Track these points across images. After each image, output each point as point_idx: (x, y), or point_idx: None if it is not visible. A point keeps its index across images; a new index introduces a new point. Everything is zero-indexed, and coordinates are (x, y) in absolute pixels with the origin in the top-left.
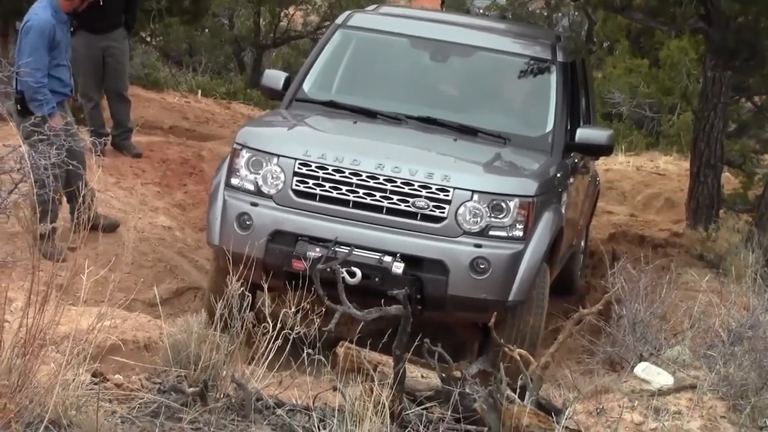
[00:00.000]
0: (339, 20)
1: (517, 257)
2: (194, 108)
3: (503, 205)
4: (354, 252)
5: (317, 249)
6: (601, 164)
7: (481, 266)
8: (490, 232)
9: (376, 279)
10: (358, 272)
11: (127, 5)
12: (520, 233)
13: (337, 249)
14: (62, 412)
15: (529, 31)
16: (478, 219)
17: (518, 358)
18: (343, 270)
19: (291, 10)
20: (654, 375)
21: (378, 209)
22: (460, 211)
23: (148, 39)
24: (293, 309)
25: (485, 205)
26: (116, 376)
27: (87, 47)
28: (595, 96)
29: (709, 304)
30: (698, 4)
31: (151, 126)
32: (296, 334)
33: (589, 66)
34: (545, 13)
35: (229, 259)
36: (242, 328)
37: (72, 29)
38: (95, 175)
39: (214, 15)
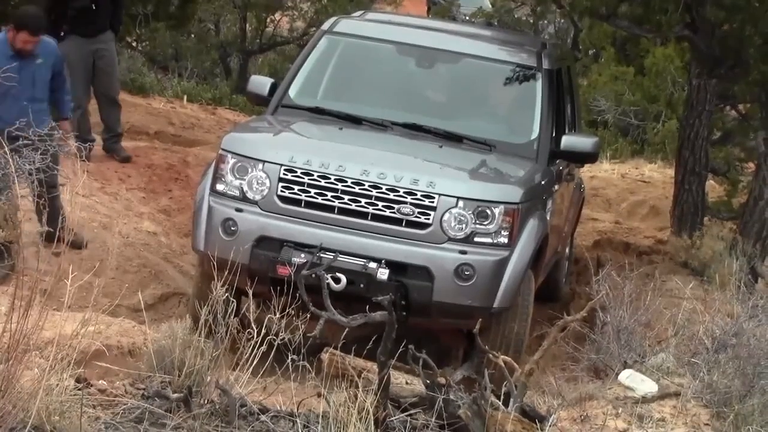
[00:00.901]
0: (325, 26)
1: (502, 264)
2: (180, 113)
3: (488, 211)
4: (339, 258)
5: (302, 255)
6: (586, 171)
7: (466, 273)
8: (475, 239)
9: (361, 285)
10: (343, 278)
11: (114, 9)
12: (505, 240)
13: (321, 255)
14: (46, 418)
15: (514, 38)
16: (463, 225)
17: (503, 364)
18: (328, 276)
19: (277, 15)
20: (638, 382)
21: (363, 215)
22: (445, 217)
23: (134, 44)
24: (278, 315)
25: (470, 212)
26: (100, 381)
27: (78, 51)
28: (580, 103)
29: (693, 312)
30: (683, 12)
31: (137, 131)
32: (281, 340)
33: (575, 73)
34: (531, 20)
35: (213, 264)
36: (227, 334)
37: (62, 34)
38: (80, 180)
39: (200, 20)
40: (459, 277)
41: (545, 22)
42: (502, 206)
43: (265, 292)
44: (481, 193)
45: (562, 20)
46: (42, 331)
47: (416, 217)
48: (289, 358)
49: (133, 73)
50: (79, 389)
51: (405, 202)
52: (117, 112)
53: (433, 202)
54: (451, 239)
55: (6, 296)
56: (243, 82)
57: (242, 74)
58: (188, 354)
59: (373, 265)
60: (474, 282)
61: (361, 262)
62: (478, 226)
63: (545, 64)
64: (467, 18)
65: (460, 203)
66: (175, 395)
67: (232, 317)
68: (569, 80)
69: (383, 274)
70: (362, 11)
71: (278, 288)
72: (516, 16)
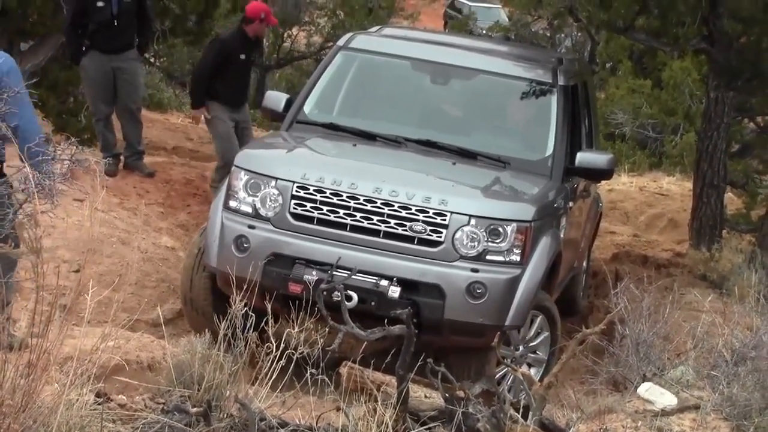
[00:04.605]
0: (341, 42)
1: (514, 282)
2: (198, 129)
3: (500, 229)
4: (351, 276)
5: (314, 272)
6: (604, 185)
7: (478, 291)
8: (487, 257)
9: (372, 303)
10: (355, 296)
11: (140, 27)
12: (518, 258)
13: (334, 273)
14: None
15: (531, 53)
16: (475, 243)
17: (521, 378)
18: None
19: (294, 30)
20: (657, 395)
21: (375, 233)
22: (457, 235)
23: (152, 60)
24: (296, 329)
25: (482, 230)
26: (120, 396)
27: (97, 67)
28: (598, 117)
29: (712, 325)
30: (701, 25)
31: (155, 147)
32: (300, 354)
33: (592, 87)
34: (548, 34)
35: (232, 279)
36: (246, 349)
37: (83, 48)
38: (99, 196)
39: (218, 36)
40: (470, 295)
41: (562, 35)
42: (514, 224)
43: (277, 308)
44: (493, 211)
45: (579, 33)
46: (62, 346)
47: (428, 234)
48: (308, 372)
49: (150, 88)
50: (99, 404)
51: (417, 220)
52: (137, 129)
53: (445, 219)
54: (462, 257)
55: (26, 311)
56: (260, 97)
57: (259, 89)
58: (207, 368)
59: (384, 282)
60: (486, 300)
61: (372, 279)
62: (490, 244)
63: (561, 80)
64: (484, 32)
65: (472, 221)
66: (195, 409)
67: (250, 332)
68: (586, 95)
69: (395, 291)
70: (379, 27)
71: (290, 305)
72: (533, 29)
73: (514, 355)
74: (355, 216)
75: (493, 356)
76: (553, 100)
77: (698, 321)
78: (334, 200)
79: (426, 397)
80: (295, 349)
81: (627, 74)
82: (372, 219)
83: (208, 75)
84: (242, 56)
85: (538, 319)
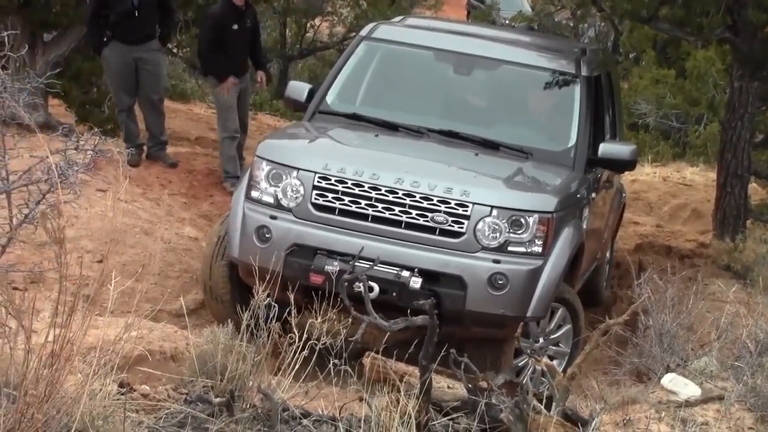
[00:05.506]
0: (364, 32)
1: (536, 273)
2: None
3: (522, 220)
4: (373, 266)
5: (335, 263)
6: (627, 175)
7: (500, 282)
8: (509, 248)
9: (394, 294)
10: (376, 287)
11: (162, 18)
12: (539, 249)
13: (356, 264)
14: (89, 422)
15: (554, 43)
16: (497, 234)
17: (545, 368)
18: (360, 284)
19: (317, 21)
20: (681, 386)
21: (397, 224)
22: (479, 226)
23: (175, 50)
24: (319, 320)
25: (504, 221)
26: (143, 386)
27: (118, 58)
28: (621, 107)
29: (736, 315)
30: (725, 14)
31: (178, 137)
32: (322, 344)
33: (616, 78)
34: (571, 24)
35: (256, 270)
36: (269, 339)
37: (105, 39)
38: (122, 186)
39: (208, 12)
40: (492, 286)
41: (585, 25)
42: (536, 215)
43: (299, 299)
44: (515, 202)
45: (603, 23)
46: (85, 336)
47: (450, 225)
48: (331, 362)
49: (173, 79)
50: (122, 394)
51: (439, 211)
52: (160, 119)
53: (466, 210)
54: (484, 248)
55: (49, 302)
56: (283, 87)
57: (282, 80)
58: (230, 359)
59: (406, 273)
60: (507, 291)
61: (394, 270)
62: (511, 235)
63: (584, 71)
64: (507, 22)
65: (494, 212)
66: (218, 400)
67: (273, 322)
68: (610, 85)
69: (416, 282)
70: (402, 17)
71: (311, 295)
72: (556, 19)
73: (532, 347)
74: (377, 207)
75: (509, 348)
76: (576, 91)
77: (722, 312)
78: (356, 191)
79: (449, 387)
80: (318, 339)
81: (650, 64)
82: (393, 210)
83: (209, 49)
84: (235, 26)
85: (559, 311)
